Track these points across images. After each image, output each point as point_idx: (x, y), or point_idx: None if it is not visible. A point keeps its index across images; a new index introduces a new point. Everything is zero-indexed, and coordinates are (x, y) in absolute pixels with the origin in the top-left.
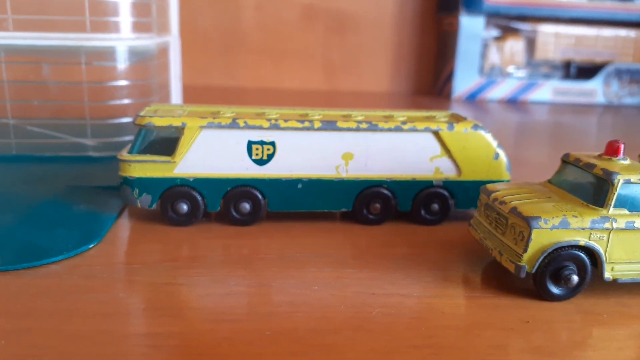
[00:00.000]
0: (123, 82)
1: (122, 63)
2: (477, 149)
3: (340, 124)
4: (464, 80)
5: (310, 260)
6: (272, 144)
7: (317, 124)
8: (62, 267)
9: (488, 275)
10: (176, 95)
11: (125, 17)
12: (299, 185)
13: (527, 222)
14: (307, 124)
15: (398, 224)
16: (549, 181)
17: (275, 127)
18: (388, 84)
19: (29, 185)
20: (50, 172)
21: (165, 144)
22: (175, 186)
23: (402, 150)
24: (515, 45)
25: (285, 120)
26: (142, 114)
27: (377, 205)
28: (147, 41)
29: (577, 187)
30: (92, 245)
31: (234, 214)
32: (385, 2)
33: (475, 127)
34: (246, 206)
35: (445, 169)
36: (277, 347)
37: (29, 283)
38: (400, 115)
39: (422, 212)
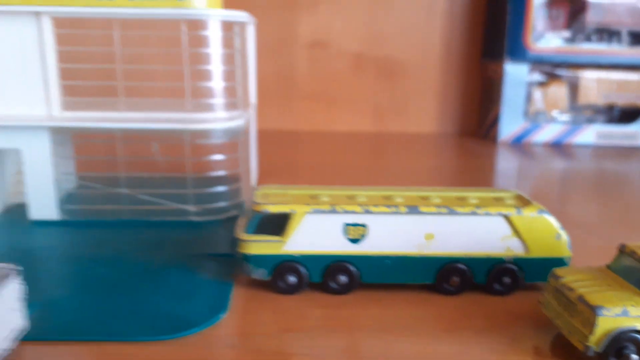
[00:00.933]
0: (219, 157)
1: (217, 140)
2: (542, 230)
3: (422, 209)
4: (509, 125)
5: (403, 331)
6: (365, 225)
7: (402, 209)
8: (200, 337)
9: (557, 346)
10: (253, 152)
11: (219, 99)
12: (388, 261)
13: (594, 311)
14: (394, 208)
15: (474, 295)
16: (608, 267)
17: (367, 212)
18: (435, 126)
19: (148, 251)
20: (161, 237)
21: (275, 224)
22: (284, 262)
23: (476, 231)
24: (558, 91)
25: (376, 206)
26: (256, 200)
27: (456, 279)
28: (239, 121)
29: (633, 276)
30: (221, 316)
31: (333, 285)
32: (431, 49)
33: (540, 211)
34: (343, 278)
35: (514, 248)
36: None
37: (177, 352)
38: (472, 196)
39: (495, 285)
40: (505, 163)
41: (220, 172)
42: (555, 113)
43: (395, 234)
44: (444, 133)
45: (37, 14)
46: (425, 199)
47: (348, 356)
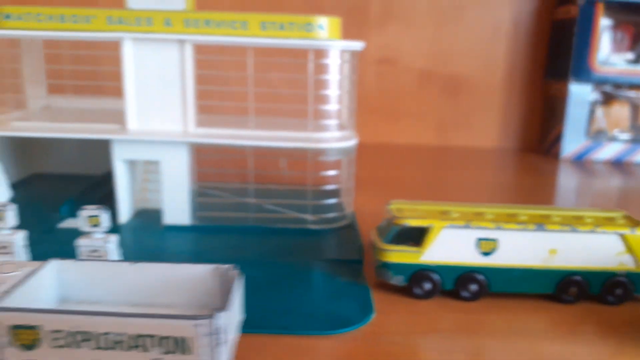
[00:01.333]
0: (333, 172)
1: (332, 157)
2: None
3: (548, 227)
4: (571, 142)
5: (526, 334)
6: (495, 240)
7: (530, 226)
8: (359, 334)
9: None
10: None
11: (334, 120)
12: (515, 273)
13: None
14: (522, 225)
15: (589, 304)
16: None
17: (498, 228)
18: (496, 141)
19: (281, 255)
20: (286, 243)
21: (412, 235)
22: (421, 270)
23: (594, 247)
24: (620, 110)
25: (507, 223)
26: (395, 214)
27: (574, 290)
28: (352, 141)
29: None
30: (372, 315)
31: (464, 293)
32: (495, 68)
33: None
34: (473, 287)
35: (627, 263)
36: None
37: (345, 345)
38: (587, 216)
39: (608, 296)
40: (568, 180)
41: (333, 186)
42: (616, 132)
43: (523, 248)
44: (505, 148)
45: (181, 42)
46: (546, 217)
47: (478, 356)
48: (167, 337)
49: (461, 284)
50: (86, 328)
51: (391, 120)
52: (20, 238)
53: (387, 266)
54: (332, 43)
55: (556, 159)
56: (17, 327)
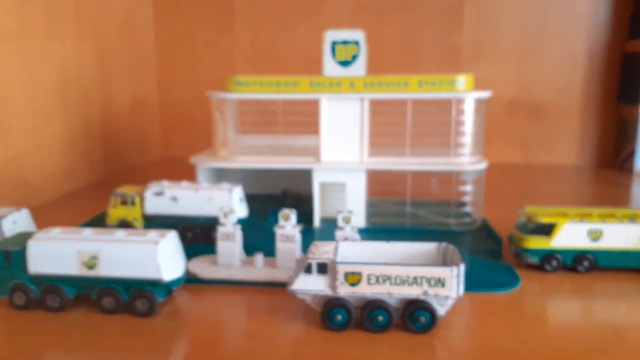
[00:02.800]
0: (469, 187)
1: (468, 176)
2: None
3: (638, 221)
4: None
5: (629, 295)
6: (601, 231)
7: (625, 220)
8: (513, 293)
9: None
10: None
11: (468, 150)
12: (615, 253)
13: None
14: (619, 220)
15: None
16: None
17: (603, 222)
18: (575, 158)
19: None
20: (439, 239)
21: (541, 229)
22: (550, 252)
23: None
24: None
25: (608, 218)
26: (528, 214)
27: None
28: (482, 165)
29: None
30: (519, 283)
31: (579, 267)
32: (573, 94)
33: None
34: (586, 263)
35: None
36: None
37: (503, 299)
38: None
39: None
40: None
41: (468, 198)
42: None
43: (620, 236)
44: (583, 165)
45: (362, 99)
46: (635, 215)
47: (590, 311)
48: (432, 277)
49: (577, 262)
50: (387, 273)
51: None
52: (298, 232)
53: (526, 251)
54: (469, 94)
55: (630, 173)
56: (348, 273)
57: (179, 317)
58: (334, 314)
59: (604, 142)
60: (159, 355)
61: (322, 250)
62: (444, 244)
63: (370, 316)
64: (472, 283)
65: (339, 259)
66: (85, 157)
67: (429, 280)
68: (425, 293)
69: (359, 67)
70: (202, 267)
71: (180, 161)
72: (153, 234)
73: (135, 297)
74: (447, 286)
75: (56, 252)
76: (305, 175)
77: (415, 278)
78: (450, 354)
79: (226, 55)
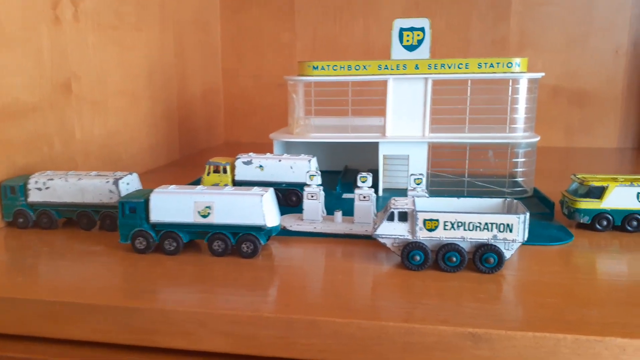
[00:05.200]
0: (522, 159)
1: (522, 149)
2: None
3: None
4: None
5: None
6: None
7: None
8: (567, 247)
9: None
10: None
11: (521, 125)
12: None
13: None
14: None
15: None
16: None
17: None
18: (616, 142)
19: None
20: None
21: (592, 191)
22: (600, 213)
23: None
24: None
25: None
26: (580, 178)
27: None
28: (534, 139)
29: None
30: (572, 238)
31: (628, 227)
32: (616, 81)
33: None
34: (634, 223)
35: None
36: None
37: (560, 251)
38: None
39: None
40: None
41: (523, 168)
42: None
43: None
44: (624, 148)
45: (426, 79)
46: None
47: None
48: (501, 224)
49: (626, 221)
50: (461, 219)
51: None
52: (373, 192)
53: (578, 211)
54: (524, 74)
55: None
56: (427, 220)
57: (275, 259)
58: (412, 255)
59: None
60: (261, 289)
61: (401, 203)
62: (508, 199)
63: (445, 257)
64: (530, 237)
65: (417, 209)
66: (166, 138)
67: (498, 226)
68: (495, 237)
69: (424, 51)
70: (291, 222)
71: (243, 145)
72: (257, 189)
73: (242, 241)
74: (514, 231)
75: (175, 203)
76: (365, 153)
77: (486, 224)
78: (511, 286)
79: (287, 50)
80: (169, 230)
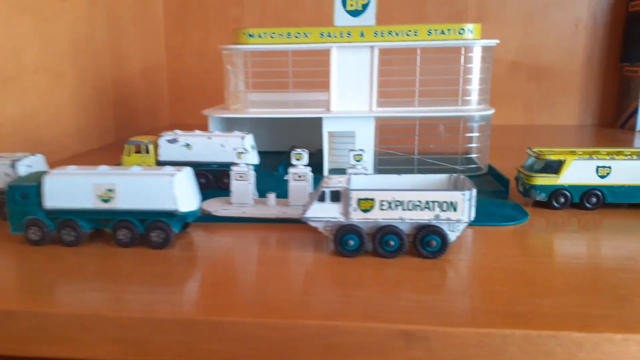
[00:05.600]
0: (475, 134)
1: (475, 123)
2: None
3: None
4: None
5: (635, 230)
6: (610, 167)
7: (634, 157)
8: (522, 226)
9: None
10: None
11: (475, 97)
12: (623, 189)
13: None
14: (630, 157)
15: None
16: None
17: (612, 159)
18: (576, 119)
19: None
20: None
21: (549, 166)
22: (558, 189)
23: None
24: None
25: (617, 155)
26: (536, 152)
27: None
28: (488, 112)
29: None
30: (527, 218)
31: (587, 204)
32: (575, 56)
33: None
34: (594, 200)
35: None
36: None
37: (511, 231)
38: None
39: None
40: None
41: (474, 144)
42: None
43: (630, 172)
44: (584, 125)
45: (372, 48)
46: (638, 153)
47: (598, 246)
48: (444, 202)
49: (585, 198)
50: (399, 198)
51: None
52: (309, 171)
53: (534, 187)
54: (477, 42)
55: (632, 131)
56: (361, 199)
57: (193, 249)
58: (346, 239)
59: (605, 103)
60: (167, 286)
61: (335, 181)
62: (454, 175)
63: (382, 241)
64: (481, 217)
65: (353, 186)
66: (97, 120)
67: (440, 205)
68: (437, 217)
69: (369, 16)
70: (217, 206)
71: (189, 127)
72: (169, 168)
73: (151, 228)
74: (458, 210)
75: (71, 187)
76: (313, 132)
77: (427, 203)
78: (457, 273)
79: (235, 24)
80: (66, 217)
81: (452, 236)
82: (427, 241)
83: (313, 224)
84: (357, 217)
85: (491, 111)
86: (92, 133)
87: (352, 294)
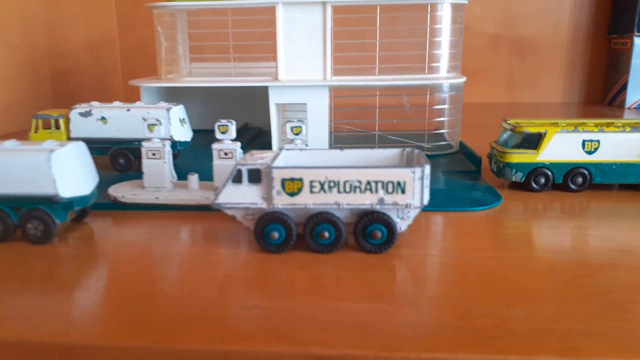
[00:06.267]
0: (445, 106)
1: (445, 93)
2: None
3: None
4: (635, 92)
5: (628, 216)
6: (598, 141)
7: (627, 129)
8: (494, 210)
9: None
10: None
11: (444, 64)
12: (614, 167)
13: None
14: (621, 129)
15: None
16: None
17: (600, 131)
18: (561, 96)
19: None
20: None
21: (527, 140)
22: (537, 167)
23: None
24: None
25: (607, 126)
26: (511, 124)
27: None
28: (459, 80)
29: None
30: (500, 202)
31: (572, 185)
32: (560, 28)
33: None
34: (579, 180)
35: None
36: None
37: (484, 216)
38: None
39: None
40: None
41: (444, 118)
42: None
43: (620, 146)
44: (571, 102)
45: (324, 4)
46: (632, 125)
47: (582, 235)
48: (389, 182)
49: (569, 178)
50: (334, 178)
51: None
52: (238, 147)
53: (509, 166)
54: None
55: (621, 109)
56: (286, 180)
57: (89, 244)
58: (269, 231)
59: (593, 78)
60: (58, 294)
61: (257, 157)
62: (409, 149)
63: (315, 232)
64: (446, 201)
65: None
66: (30, 97)
67: (385, 186)
68: (382, 201)
69: None
70: (125, 191)
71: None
72: (50, 142)
73: (27, 219)
74: (408, 192)
75: None
76: (267, 108)
77: (368, 183)
78: (408, 274)
79: None
80: None
81: (401, 225)
82: (370, 232)
83: (229, 212)
84: (282, 202)
85: (462, 79)
86: (24, 111)
87: (262, 305)
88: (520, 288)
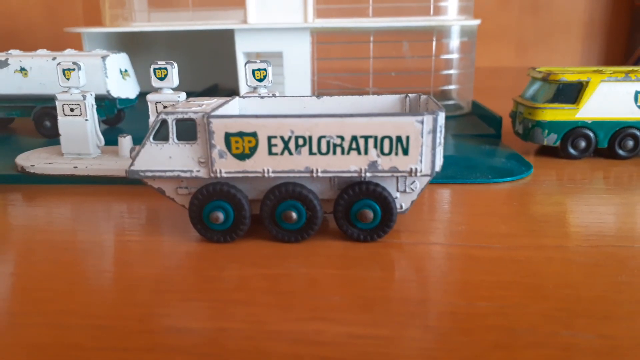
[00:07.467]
0: (454, 55)
1: (453, 40)
2: None
3: None
4: None
5: None
6: None
7: None
8: (513, 185)
9: None
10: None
11: (454, 3)
12: None
13: None
14: None
15: None
16: None
17: None
18: (579, 60)
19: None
20: None
21: (563, 92)
22: (576, 127)
23: None
24: None
25: None
26: (543, 72)
27: None
28: (472, 22)
29: None
30: (530, 172)
31: (620, 151)
32: None
33: None
34: (629, 143)
35: None
36: None
37: (515, 188)
38: None
39: None
40: None
41: (453, 71)
42: None
43: None
44: (589, 66)
45: None
46: None
47: (627, 214)
48: (385, 137)
49: (617, 140)
50: (304, 132)
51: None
52: (183, 98)
53: (540, 125)
54: None
55: None
56: (232, 135)
57: None
58: (210, 211)
59: (613, 39)
60: None
61: (194, 105)
62: (413, 95)
63: (277, 213)
64: (462, 171)
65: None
66: None
67: (380, 143)
68: (374, 167)
69: None
70: (37, 159)
71: None
72: None
73: None
74: (412, 152)
75: None
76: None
77: (355, 140)
78: (417, 273)
79: None
80: None
81: (402, 202)
82: (357, 211)
83: (153, 184)
84: (227, 168)
85: (476, 22)
86: None
87: (192, 328)
88: (582, 295)
